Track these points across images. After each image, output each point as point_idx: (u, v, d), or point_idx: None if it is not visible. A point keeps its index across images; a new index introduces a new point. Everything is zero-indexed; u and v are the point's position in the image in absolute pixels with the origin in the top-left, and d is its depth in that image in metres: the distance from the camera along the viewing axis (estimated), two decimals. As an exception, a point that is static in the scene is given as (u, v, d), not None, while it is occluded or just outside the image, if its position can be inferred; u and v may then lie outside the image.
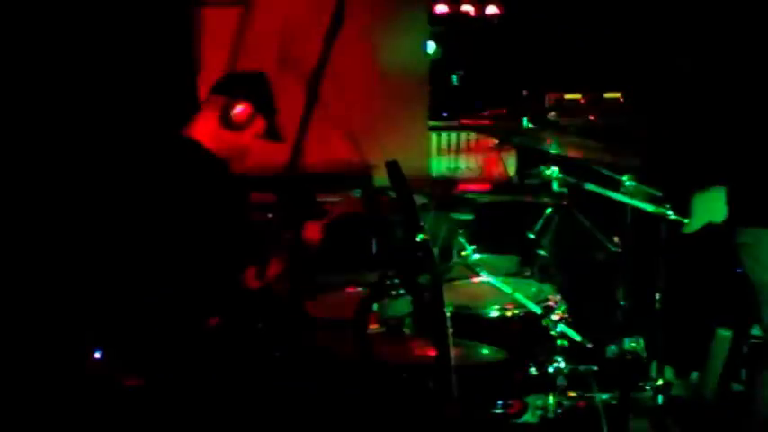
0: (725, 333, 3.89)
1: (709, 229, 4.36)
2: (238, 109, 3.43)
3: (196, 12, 4.91)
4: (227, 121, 3.43)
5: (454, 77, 6.10)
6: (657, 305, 3.88)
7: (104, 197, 3.41)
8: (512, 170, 5.68)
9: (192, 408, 2.79)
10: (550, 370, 3.39)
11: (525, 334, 3.46)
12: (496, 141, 4.76)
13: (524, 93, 5.52)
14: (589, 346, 3.34)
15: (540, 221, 4.00)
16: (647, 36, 5.71)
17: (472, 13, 6.19)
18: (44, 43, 4.00)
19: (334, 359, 2.79)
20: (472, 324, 3.42)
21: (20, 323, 3.72)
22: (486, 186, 5.57)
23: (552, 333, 3.39)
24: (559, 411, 3.37)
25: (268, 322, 3.24)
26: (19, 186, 3.88)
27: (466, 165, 5.74)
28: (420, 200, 3.16)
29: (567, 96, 5.66)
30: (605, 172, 4.02)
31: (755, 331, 4.10)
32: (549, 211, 4.00)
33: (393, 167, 2.66)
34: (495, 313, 3.49)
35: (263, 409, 2.66)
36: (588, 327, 3.54)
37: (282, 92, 5.21)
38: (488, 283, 3.46)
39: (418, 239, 2.61)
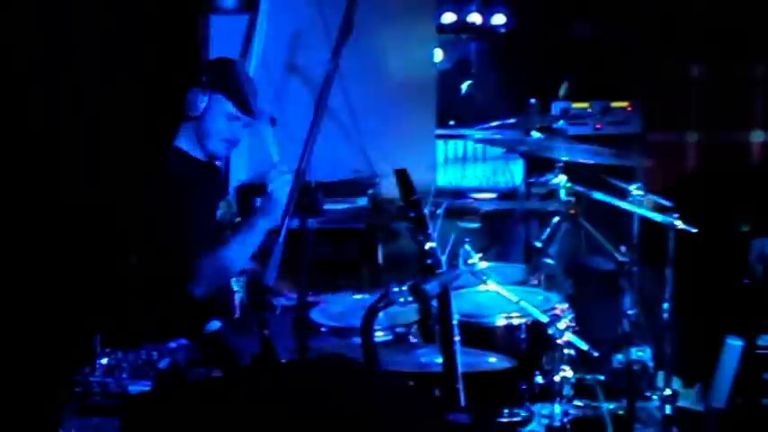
0: (735, 342, 3.88)
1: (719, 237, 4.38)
2: (190, 96, 3.46)
3: (203, 19, 4.92)
4: (187, 113, 3.46)
5: (464, 86, 6.10)
6: (665, 315, 3.88)
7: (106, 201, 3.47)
8: (518, 178, 5.68)
9: (199, 415, 2.79)
10: (557, 379, 3.38)
11: (532, 342, 3.46)
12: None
13: (532, 101, 5.51)
14: (596, 354, 3.33)
15: (548, 230, 4.01)
16: (656, 43, 5.71)
17: (479, 22, 6.19)
18: (49, 47, 4.00)
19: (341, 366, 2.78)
20: (479, 332, 3.42)
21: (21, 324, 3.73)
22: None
23: (559, 342, 3.38)
24: (566, 420, 3.36)
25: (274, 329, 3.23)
26: (15, 187, 3.89)
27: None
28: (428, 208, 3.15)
29: (575, 105, 5.65)
30: (613, 181, 4.03)
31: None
32: (556, 219, 4.00)
33: (402, 175, 2.66)
34: (501, 321, 3.49)
35: (269, 416, 2.65)
36: (595, 336, 3.54)
37: (288, 98, 5.24)
38: (495, 291, 3.45)
39: (427, 247, 2.61)
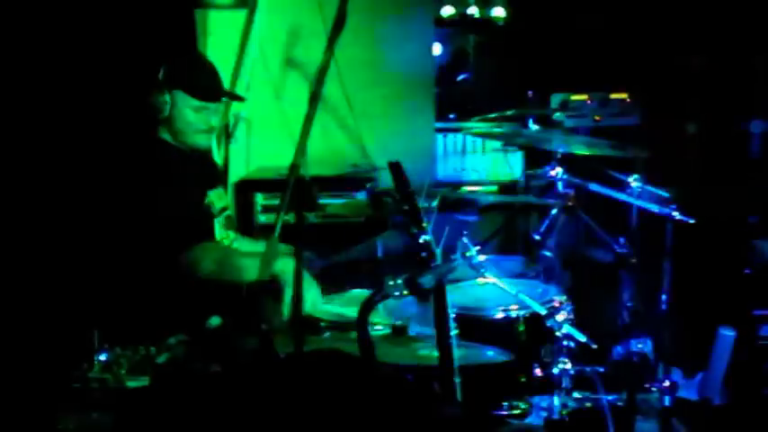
0: (728, 333, 3.87)
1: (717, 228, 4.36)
2: (155, 98, 3.45)
3: (200, 15, 4.93)
4: (157, 114, 3.46)
5: (460, 77, 6.10)
6: (663, 306, 3.88)
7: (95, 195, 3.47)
8: (518, 171, 5.68)
9: (196, 409, 2.79)
10: (555, 371, 3.38)
11: (530, 335, 3.45)
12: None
13: (529, 94, 5.51)
14: (594, 346, 3.32)
15: (546, 222, 4.00)
16: (655, 35, 5.71)
17: (478, 15, 6.19)
18: (45, 45, 4.01)
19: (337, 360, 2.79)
20: (477, 325, 3.41)
21: (20, 324, 3.74)
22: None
23: (557, 334, 3.37)
24: (565, 413, 3.35)
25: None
26: (12, 184, 3.89)
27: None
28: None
29: (573, 97, 5.65)
30: (611, 173, 4.02)
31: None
32: (554, 211, 3.99)
33: (396, 168, 2.66)
34: (499, 314, 3.49)
35: (267, 410, 2.65)
36: (594, 328, 3.53)
37: (287, 93, 5.25)
38: (493, 284, 3.44)
39: (421, 240, 2.61)
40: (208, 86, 3.52)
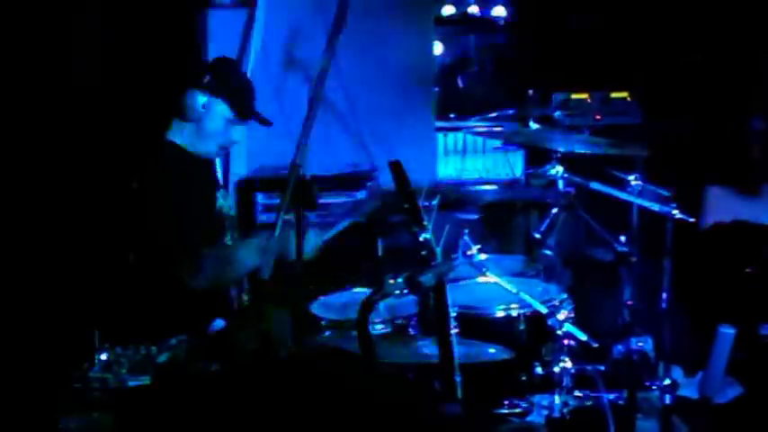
0: (727, 331, 3.87)
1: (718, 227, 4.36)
2: (188, 98, 3.42)
3: (202, 13, 4.93)
4: (184, 114, 3.43)
5: (460, 80, 6.10)
6: (664, 304, 3.88)
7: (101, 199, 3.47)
8: (518, 170, 5.68)
9: (197, 409, 2.80)
10: (556, 370, 3.38)
11: (531, 334, 3.46)
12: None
13: (530, 93, 5.50)
14: (594, 345, 3.33)
15: (547, 221, 4.00)
16: (655, 34, 5.71)
17: (478, 14, 6.19)
18: (48, 44, 4.01)
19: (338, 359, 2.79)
20: (478, 324, 3.42)
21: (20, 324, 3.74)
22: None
23: (558, 333, 3.38)
24: (565, 411, 3.36)
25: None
26: (14, 185, 3.90)
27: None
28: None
29: (574, 96, 5.64)
30: (611, 171, 4.02)
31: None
32: (554, 210, 3.99)
33: (396, 167, 2.66)
34: (500, 313, 3.49)
35: (267, 409, 2.66)
36: (595, 326, 3.53)
37: (288, 92, 5.25)
38: (494, 282, 3.45)
39: (422, 238, 2.61)
40: (248, 104, 3.52)
